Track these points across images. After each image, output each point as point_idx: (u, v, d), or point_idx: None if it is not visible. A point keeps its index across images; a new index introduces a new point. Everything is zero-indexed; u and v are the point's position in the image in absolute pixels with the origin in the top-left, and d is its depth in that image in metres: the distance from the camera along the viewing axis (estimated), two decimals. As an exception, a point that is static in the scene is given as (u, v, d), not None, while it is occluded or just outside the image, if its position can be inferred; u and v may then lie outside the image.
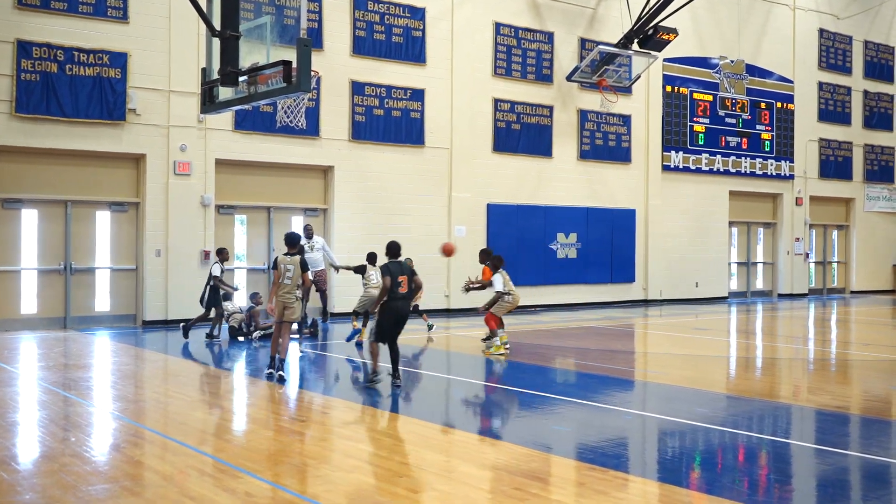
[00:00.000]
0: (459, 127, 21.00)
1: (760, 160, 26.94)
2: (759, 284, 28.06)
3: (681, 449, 7.97)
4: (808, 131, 28.49)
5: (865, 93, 30.28)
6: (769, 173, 27.22)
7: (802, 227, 28.34)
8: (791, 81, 27.79)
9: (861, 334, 17.86)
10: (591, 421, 9.09)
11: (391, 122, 20.04)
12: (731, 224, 26.85)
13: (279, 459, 7.30)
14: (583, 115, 23.14)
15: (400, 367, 10.95)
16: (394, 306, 10.45)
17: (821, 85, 28.89)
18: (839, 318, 22.30)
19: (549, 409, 9.51)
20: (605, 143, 23.57)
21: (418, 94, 20.40)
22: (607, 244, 23.50)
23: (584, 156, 23.19)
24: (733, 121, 26.24)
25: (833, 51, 29.31)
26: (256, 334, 15.32)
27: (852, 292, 30.09)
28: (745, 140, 26.51)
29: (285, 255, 11.40)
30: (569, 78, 22.47)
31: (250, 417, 9.31)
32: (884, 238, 31.07)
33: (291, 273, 11.29)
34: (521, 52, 22.05)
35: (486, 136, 21.52)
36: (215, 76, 10.97)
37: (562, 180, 22.82)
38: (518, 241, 21.86)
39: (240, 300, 17.55)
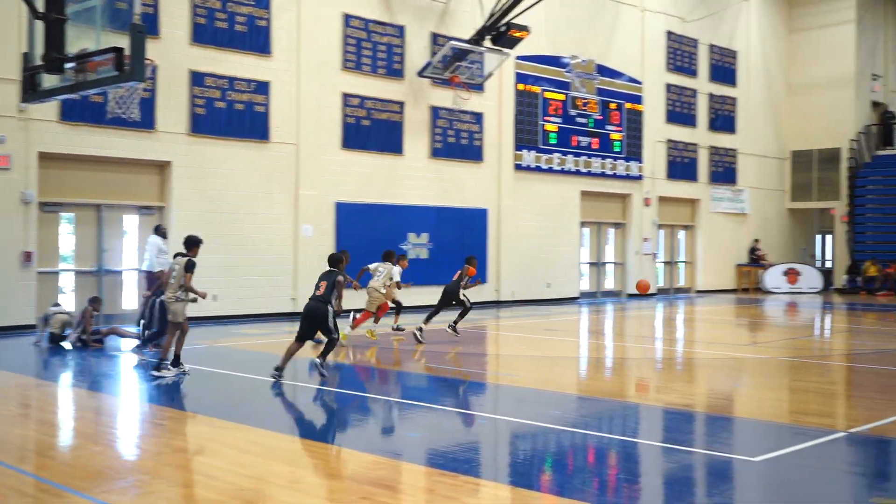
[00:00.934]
0: (307, 122, 20.79)
1: (611, 160, 27.88)
2: (609, 284, 29.04)
3: (532, 451, 8.15)
4: (657, 132, 29.70)
5: (710, 95, 31.84)
6: (619, 174, 28.20)
7: (651, 227, 29.53)
8: (640, 82, 28.91)
9: (706, 333, 18.74)
10: (441, 425, 9.16)
11: (234, 115, 19.63)
12: (582, 224, 27.66)
13: (108, 476, 7.02)
14: (435, 111, 23.33)
15: (324, 359, 11.71)
16: (306, 305, 11.71)
17: (668, 87, 30.18)
18: (686, 317, 23.33)
19: (400, 415, 9.53)
20: (457, 140, 23.85)
21: (263, 87, 20.07)
22: (459, 244, 23.78)
23: (436, 154, 23.38)
24: (584, 121, 27.04)
25: (680, 53, 30.68)
26: (72, 337, 14.66)
27: (698, 291, 31.56)
28: (595, 140, 27.36)
29: (178, 255, 12.06)
30: (420, 73, 22.61)
31: (77, 432, 8.91)
32: (728, 238, 32.76)
33: (176, 273, 11.88)
34: (371, 46, 22.03)
35: (334, 131, 21.39)
36: (38, 62, 10.44)
37: (413, 178, 22.94)
38: (368, 241, 21.82)
39: (69, 304, 16.78)
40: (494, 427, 9.20)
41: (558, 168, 26.34)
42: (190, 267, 11.83)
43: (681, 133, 30.71)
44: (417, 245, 22.92)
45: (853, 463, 7.88)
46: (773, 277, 32.75)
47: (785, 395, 11.28)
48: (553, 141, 26.18)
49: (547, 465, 7.62)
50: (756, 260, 33.27)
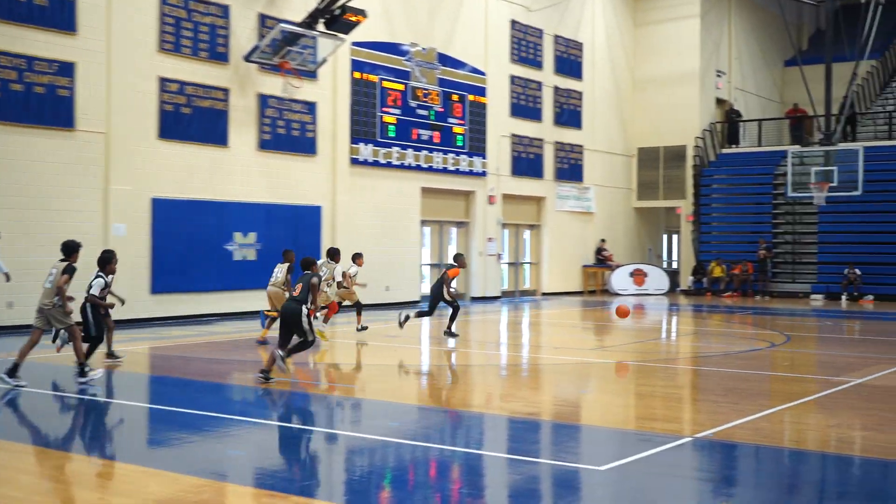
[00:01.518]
0: (119, 109, 20.09)
1: (453, 156, 28.22)
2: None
3: (370, 467, 8.14)
4: (501, 126, 30.28)
5: (556, 88, 32.72)
6: (462, 170, 28.59)
7: (495, 226, 30.08)
8: (483, 73, 29.40)
9: (552, 337, 19.23)
10: (271, 443, 9.03)
11: (33, 99, 18.74)
12: (423, 223, 27.89)
13: None
14: (263, 100, 23.00)
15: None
16: (282, 306, 12.60)
17: (513, 78, 30.82)
18: (531, 321, 23.87)
19: (224, 432, 9.34)
20: (287, 132, 23.60)
21: (67, 69, 19.25)
22: (291, 244, 23.52)
23: (264, 146, 23.06)
24: (425, 113, 27.27)
25: (525, 43, 31.39)
26: None
27: (544, 294, 32.37)
28: (437, 134, 27.64)
29: (60, 261, 12.24)
30: (247, 58, 22.24)
31: None
32: (574, 238, 33.75)
33: (53, 278, 12.05)
34: (192, 26, 21.50)
35: (150, 120, 20.75)
36: None
37: (240, 173, 22.55)
38: (189, 242, 21.30)
39: None
40: (329, 442, 9.14)
41: (397, 163, 26.46)
42: (69, 272, 12.05)
43: (526, 127, 31.42)
44: (244, 246, 22.54)
45: (699, 469, 8.26)
46: (619, 279, 33.98)
47: (631, 400, 11.71)
48: (392, 134, 26.28)
49: (385, 482, 7.63)
50: (602, 261, 34.43)
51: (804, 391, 12.00)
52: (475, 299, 29.15)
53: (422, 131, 27.17)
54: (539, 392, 12.30)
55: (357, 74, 25.42)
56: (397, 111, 26.46)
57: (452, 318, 17.86)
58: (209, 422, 9.87)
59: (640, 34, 36.78)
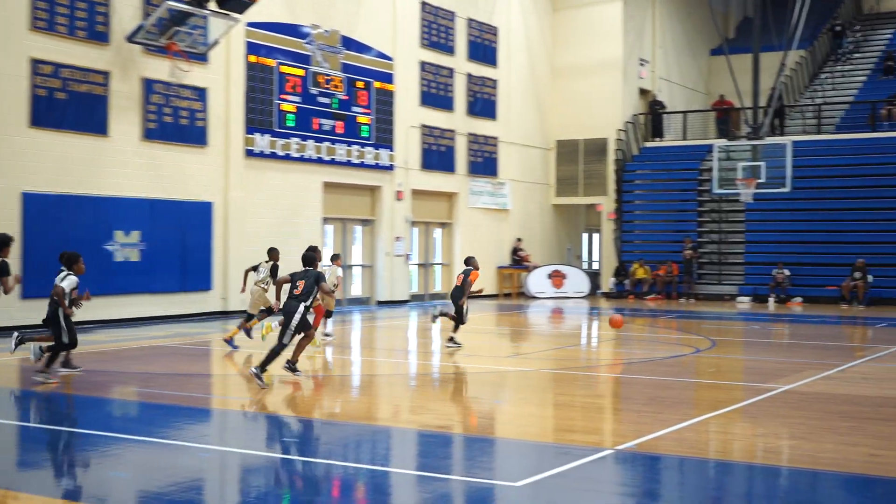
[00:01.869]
0: (-16, 93, 19.56)
1: (358, 148, 28.16)
2: (357, 290, 29.31)
3: (266, 487, 8.08)
4: (410, 116, 30.30)
5: (469, 76, 32.89)
6: (367, 163, 28.54)
7: (403, 224, 30.09)
8: (391, 59, 29.39)
9: (466, 345, 19.31)
10: (157, 462, 8.89)
11: None
12: (325, 221, 27.75)
13: None
14: (148, 85, 22.62)
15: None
16: (285, 304, 13.31)
17: (423, 65, 30.88)
18: (443, 326, 23.92)
19: (105, 451, 9.17)
20: (175, 120, 23.25)
21: (-74, 47, 18.66)
22: (178, 244, 23.18)
23: (149, 135, 22.68)
24: (327, 101, 27.14)
25: (436, 27, 31.48)
26: None
27: (456, 298, 32.45)
28: (340, 124, 27.53)
29: None
30: (130, 39, 21.84)
31: None
32: (488, 237, 33.96)
33: None
34: (68, 2, 21.02)
35: (20, 106, 20.23)
36: None
37: (121, 165, 22.13)
38: (64, 240, 20.76)
39: None
40: (222, 460, 9.04)
41: (297, 155, 26.29)
42: (3, 269, 12.46)
43: (437, 118, 31.51)
44: (126, 246, 22.14)
45: (621, 483, 8.39)
46: (536, 281, 34.31)
47: (549, 411, 11.84)
48: (291, 123, 26.10)
49: (285, 502, 7.58)
50: (519, 261, 34.73)
51: (730, 399, 12.28)
52: (382, 303, 29.13)
53: (324, 121, 27.04)
54: (451, 403, 12.35)
55: (252, 58, 25.17)
56: (297, 99, 26.28)
57: (456, 328, 17.96)
58: (88, 440, 9.67)
59: (558, 19, 37.20)
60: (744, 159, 29.80)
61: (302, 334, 13.34)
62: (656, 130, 37.77)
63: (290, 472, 8.53)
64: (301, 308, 13.11)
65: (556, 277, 34.39)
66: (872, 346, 19.62)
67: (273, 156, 25.68)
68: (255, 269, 17.86)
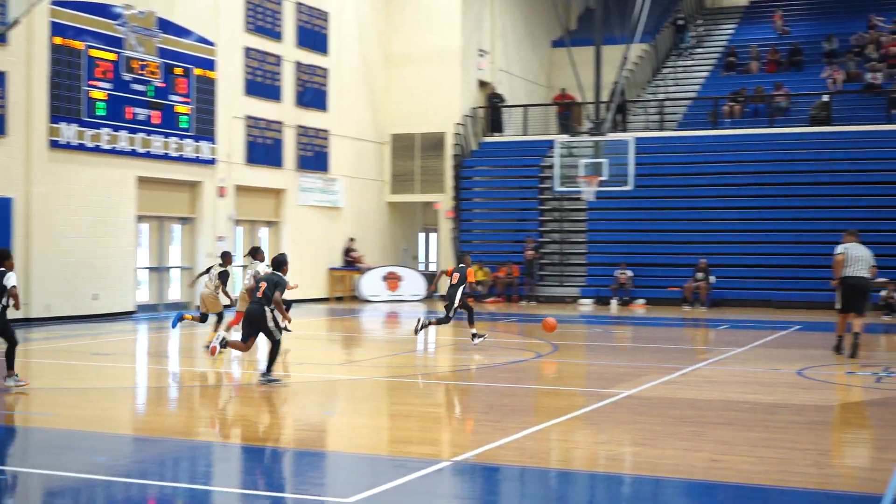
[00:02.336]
0: None
1: (176, 140, 27.63)
2: (175, 295, 28.76)
3: (73, 511, 7.86)
4: (233, 106, 29.91)
5: (298, 64, 32.68)
6: (187, 156, 28.03)
7: (227, 223, 29.68)
8: (213, 44, 28.95)
9: (294, 352, 19.20)
10: (-52, 486, 8.55)
11: None
12: (140, 219, 27.13)
13: None
14: (-63, 67, 21.68)
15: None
16: (247, 308, 14.24)
17: (248, 51, 30.53)
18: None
19: None
20: (-31, 107, 22.36)
21: None
22: (-26, 245, 22.30)
23: (-61, 123, 21.74)
24: (142, 88, 26.54)
25: (262, 10, 31.16)
26: None
27: (284, 301, 32.08)
28: (157, 114, 26.96)
29: None
30: (-84, 15, 20.89)
31: None
32: (319, 237, 33.83)
33: None
34: None
35: None
36: None
37: None
38: None
39: None
40: (23, 483, 8.74)
41: (108, 147, 25.62)
42: None
43: (263, 108, 31.20)
44: (-87, 246, 21.15)
45: (459, 496, 8.49)
46: (370, 283, 34.35)
47: (384, 421, 11.88)
48: (101, 112, 25.42)
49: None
50: (351, 263, 34.71)
51: (572, 405, 12.57)
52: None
53: (138, 110, 26.43)
54: (278, 415, 12.26)
55: (58, 40, 24.39)
56: (108, 86, 25.61)
57: (472, 320, 19.45)
58: None
59: (393, 6, 37.33)
60: (586, 156, 30.50)
61: (271, 342, 14.01)
62: (496, 125, 38.33)
63: (98, 494, 8.30)
64: (268, 311, 13.88)
65: (392, 279, 34.52)
66: (715, 348, 20.40)
67: (81, 147, 24.94)
68: (207, 271, 18.91)
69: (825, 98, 34.93)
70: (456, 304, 19.24)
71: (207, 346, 17.27)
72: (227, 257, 18.66)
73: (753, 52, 40.35)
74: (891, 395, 13.76)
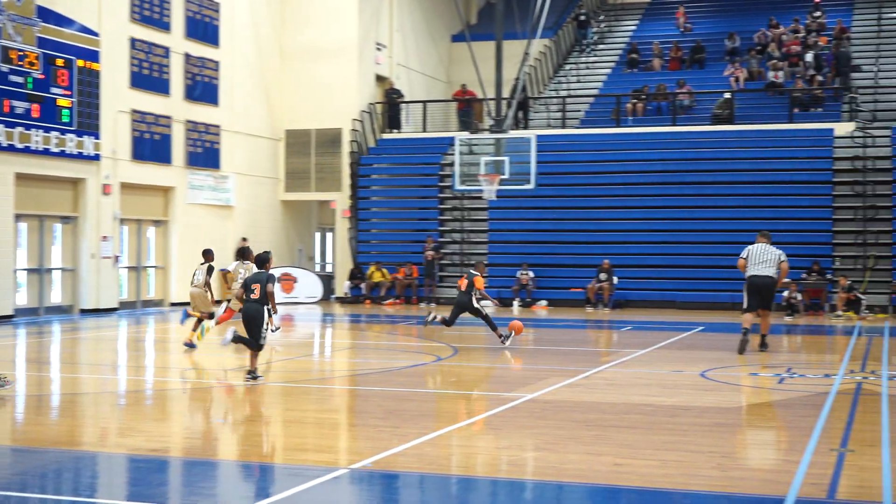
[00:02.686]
0: None
1: (57, 134, 27.13)
2: (57, 298, 28.22)
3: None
4: (119, 100, 29.45)
5: (187, 56, 32.30)
6: (69, 152, 27.53)
7: (112, 222, 29.21)
8: (96, 34, 28.46)
9: (183, 357, 18.99)
10: None
11: None
12: (18, 218, 26.60)
13: None
14: None
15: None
16: (243, 308, 15.01)
17: (133, 42, 30.08)
18: (157, 337, 23.41)
19: None
20: None
21: None
22: None
23: None
24: (21, 80, 26.03)
25: (149, 0, 30.71)
26: None
27: (173, 304, 31.82)
28: (36, 106, 26.46)
29: None
30: None
31: None
32: (210, 236, 33.36)
33: None
34: None
35: None
36: None
37: None
38: None
39: None
40: None
41: (-16, 142, 25.09)
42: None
43: (150, 102, 30.78)
44: None
45: (356, 504, 8.48)
46: (264, 285, 34.08)
47: (278, 428, 11.80)
48: (-23, 105, 24.86)
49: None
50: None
51: (473, 410, 12.64)
52: (85, 312, 28.15)
53: (16, 103, 25.89)
54: (166, 423, 12.11)
55: (-71, 27, 23.76)
56: (-16, 76, 25.09)
57: (492, 325, 20.10)
58: None
59: (288, -4, 37.15)
60: (487, 154, 30.63)
61: (252, 340, 14.81)
62: (394, 121, 38.37)
63: (-25, 508, 8.12)
64: (264, 310, 14.67)
65: (286, 281, 34.30)
66: (618, 350, 20.69)
67: (-45, 142, 24.36)
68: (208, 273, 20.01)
69: (727, 96, 35.68)
70: (476, 307, 20.01)
71: (190, 344, 18.81)
72: (207, 255, 20.03)
73: (656, 49, 41.04)
74: (793, 395, 14.11)
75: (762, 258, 18.82)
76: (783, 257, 19.00)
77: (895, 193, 31.39)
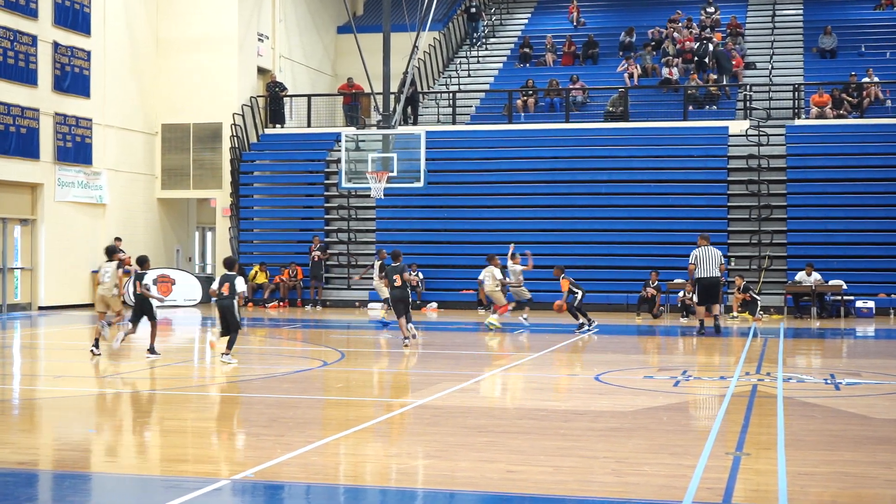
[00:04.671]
0: None
1: (-85, 126, 26.39)
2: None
3: None
4: (-18, 91, 28.80)
5: (56, 45, 31.65)
6: (-73, 146, 26.81)
7: (-26, 221, 28.51)
8: (-43, 20, 27.77)
9: (52, 364, 18.62)
10: None
11: None
12: None
13: None
14: None
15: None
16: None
17: (-2, 29, 29.44)
18: (24, 343, 22.90)
19: None
20: None
21: None
22: None
23: None
24: None
25: (15, -15, 30.09)
26: None
27: (41, 308, 31.19)
28: None
29: None
30: None
31: None
32: (81, 236, 32.85)
33: None
34: None
35: None
36: None
37: None
38: None
39: None
40: None
41: None
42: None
43: (16, 94, 30.13)
44: None
45: (238, 517, 8.41)
46: (140, 288, 33.56)
47: (154, 438, 11.64)
48: None
49: None
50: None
51: (361, 417, 12.61)
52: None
53: None
54: (34, 434, 11.86)
55: None
56: None
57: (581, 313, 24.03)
58: None
59: (164, -17, 36.66)
60: (374, 150, 30.61)
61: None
62: (277, 116, 38.09)
63: None
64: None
65: (164, 283, 33.80)
66: (510, 353, 20.84)
67: None
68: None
69: (621, 92, 36.19)
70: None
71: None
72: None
73: (549, 44, 41.43)
74: (688, 398, 14.38)
75: (709, 260, 22.91)
76: (722, 259, 23.61)
77: (789, 192, 32.20)
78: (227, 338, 17.73)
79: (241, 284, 17.79)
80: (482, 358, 20.29)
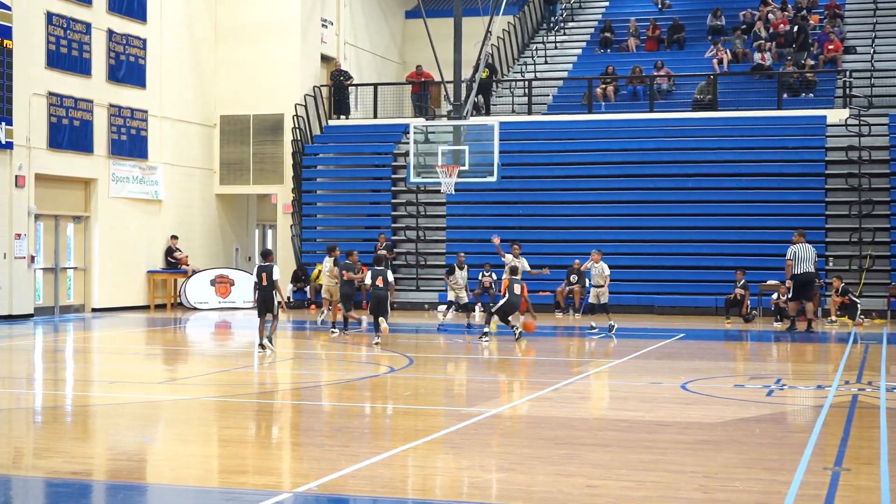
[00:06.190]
0: None
1: (-36, 119, 26.91)
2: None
3: None
4: (34, 82, 29.18)
5: (110, 33, 32.03)
6: (-23, 139, 27.32)
7: (26, 218, 28.95)
8: (8, 8, 28.20)
9: (106, 369, 18.88)
10: None
11: None
12: (-80, 213, 26.32)
13: None
14: None
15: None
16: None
17: (50, 16, 29.80)
18: (77, 347, 23.20)
19: None
20: None
21: None
22: None
23: None
24: (-77, 58, 25.77)
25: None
26: None
27: (95, 310, 31.57)
28: (-60, 88, 26.23)
29: None
30: None
31: None
32: (136, 235, 33.21)
33: None
34: None
35: None
36: None
37: None
38: None
39: None
40: None
41: None
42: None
43: (69, 84, 30.51)
44: None
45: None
46: (197, 288, 33.89)
47: (213, 448, 11.73)
48: None
49: None
50: (174, 264, 34.19)
51: (430, 427, 12.62)
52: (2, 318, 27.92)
53: (-82, 84, 25.64)
54: (88, 443, 12.01)
55: None
56: None
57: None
58: None
59: (222, -34, 36.97)
60: (445, 142, 30.52)
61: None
62: (342, 106, 38.17)
63: None
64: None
65: (222, 284, 34.14)
66: (590, 360, 20.75)
67: None
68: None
69: (709, 79, 35.83)
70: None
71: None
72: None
73: (632, 28, 41.18)
74: (782, 409, 14.21)
75: (806, 257, 24.69)
76: (816, 256, 25.24)
77: (893, 187, 31.63)
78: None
79: (276, 272, 20.21)
80: (560, 365, 20.22)
